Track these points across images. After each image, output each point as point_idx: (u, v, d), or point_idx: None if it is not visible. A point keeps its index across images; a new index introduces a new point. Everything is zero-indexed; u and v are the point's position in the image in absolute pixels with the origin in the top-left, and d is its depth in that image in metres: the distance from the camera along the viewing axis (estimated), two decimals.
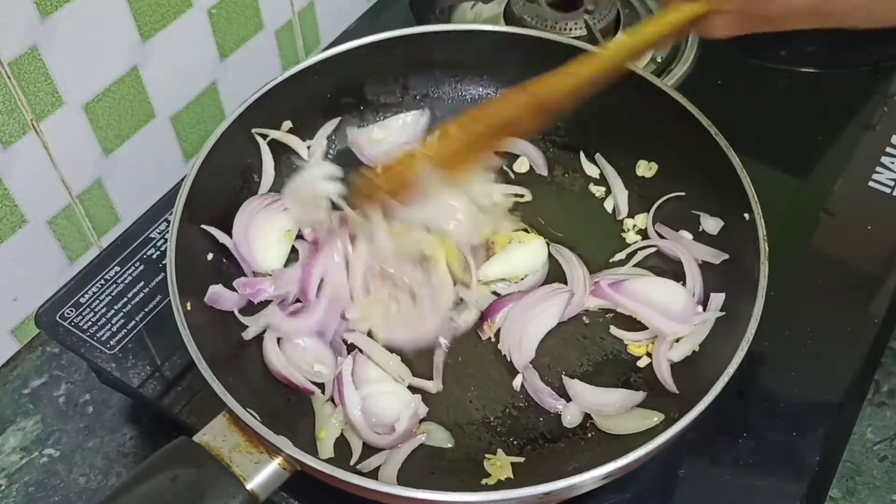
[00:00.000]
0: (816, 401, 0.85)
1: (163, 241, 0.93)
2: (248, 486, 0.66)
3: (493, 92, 1.01)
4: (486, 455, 0.77)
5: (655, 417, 0.76)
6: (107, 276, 0.90)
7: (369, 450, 0.77)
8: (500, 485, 0.74)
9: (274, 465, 0.68)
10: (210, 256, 0.86)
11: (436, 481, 0.75)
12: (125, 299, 0.89)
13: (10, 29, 0.80)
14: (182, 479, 0.65)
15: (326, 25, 1.18)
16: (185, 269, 0.78)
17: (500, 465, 0.76)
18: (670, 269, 0.88)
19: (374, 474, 0.75)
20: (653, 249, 0.90)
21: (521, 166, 0.98)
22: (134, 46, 0.92)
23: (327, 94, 0.96)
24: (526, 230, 0.92)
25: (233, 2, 1.01)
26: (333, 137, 0.98)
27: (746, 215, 0.81)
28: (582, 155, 0.98)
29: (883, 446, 0.93)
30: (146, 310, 0.89)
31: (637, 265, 0.89)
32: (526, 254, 0.89)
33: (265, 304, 0.85)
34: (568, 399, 0.80)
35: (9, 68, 0.81)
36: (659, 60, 1.11)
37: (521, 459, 0.77)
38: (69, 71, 0.87)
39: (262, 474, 0.67)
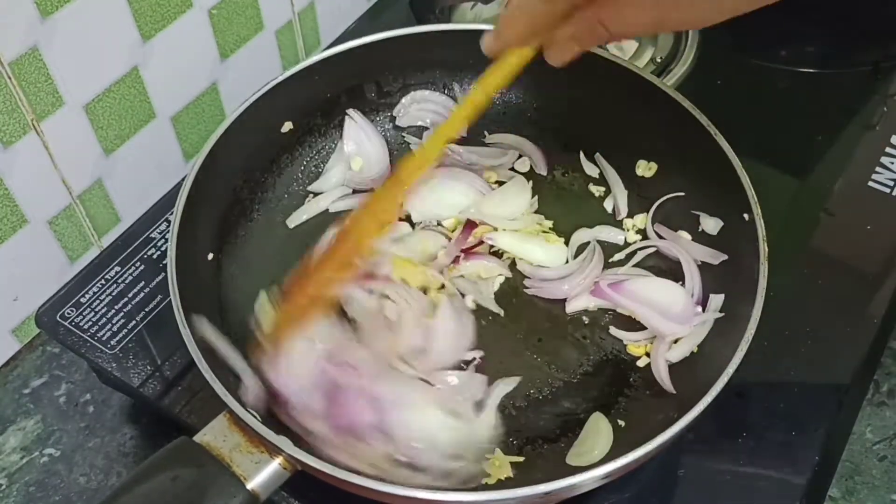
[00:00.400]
0: (816, 401, 0.85)
1: (163, 241, 0.93)
2: (249, 486, 0.66)
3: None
4: (485, 455, 0.77)
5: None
6: (107, 276, 0.90)
7: None
8: (500, 484, 0.74)
9: (274, 465, 0.68)
10: (210, 256, 0.86)
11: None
12: (125, 299, 0.89)
13: (10, 29, 0.80)
14: (182, 479, 0.65)
15: (327, 25, 1.18)
16: (186, 269, 0.78)
17: (499, 464, 0.76)
18: (669, 269, 0.88)
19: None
20: (652, 249, 0.90)
21: (522, 165, 0.98)
22: (134, 46, 0.93)
23: (328, 94, 0.96)
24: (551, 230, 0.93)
25: (233, 2, 1.01)
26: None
27: (746, 215, 0.81)
28: (582, 154, 0.98)
29: (882, 446, 0.93)
30: (146, 310, 0.89)
31: (637, 265, 0.89)
32: (544, 251, 0.90)
33: None
34: None
35: (9, 68, 0.81)
36: (658, 60, 1.11)
37: (521, 459, 0.77)
38: (69, 71, 0.87)
39: (262, 474, 0.67)
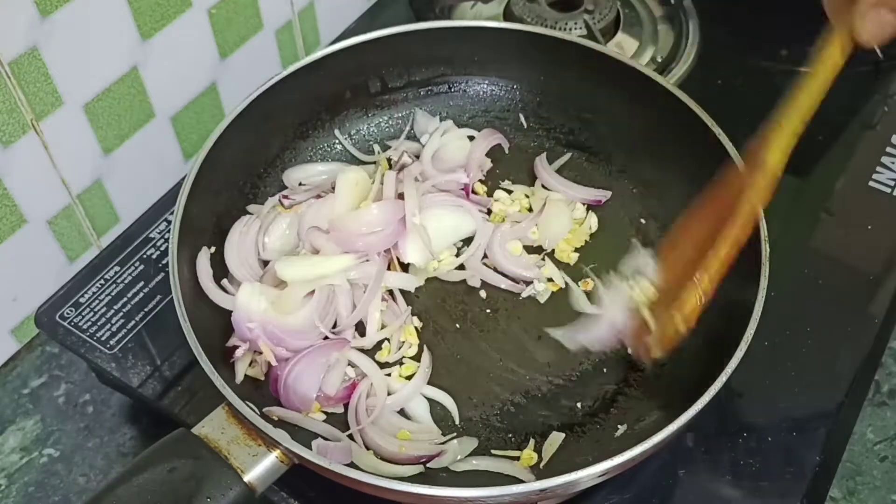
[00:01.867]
0: (816, 401, 0.85)
1: (163, 240, 0.93)
2: (246, 479, 0.66)
3: (496, 89, 1.01)
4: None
5: None
6: (106, 276, 0.90)
7: None
8: (497, 481, 0.74)
9: (272, 458, 0.68)
10: (213, 250, 0.86)
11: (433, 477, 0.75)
12: (125, 299, 0.89)
13: (10, 29, 0.80)
14: (180, 471, 0.65)
15: (326, 25, 1.18)
16: (187, 265, 0.78)
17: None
18: None
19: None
20: None
21: None
22: (134, 46, 0.93)
23: (328, 92, 0.96)
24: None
25: (233, 2, 1.01)
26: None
27: None
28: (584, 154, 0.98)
29: (883, 446, 0.93)
30: (146, 310, 0.89)
31: None
32: None
33: None
34: None
35: (9, 68, 0.81)
36: (659, 60, 1.11)
37: (518, 454, 0.77)
38: (69, 71, 0.87)
39: (259, 467, 0.67)
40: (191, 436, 0.68)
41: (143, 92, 0.96)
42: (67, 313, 0.88)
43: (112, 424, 0.91)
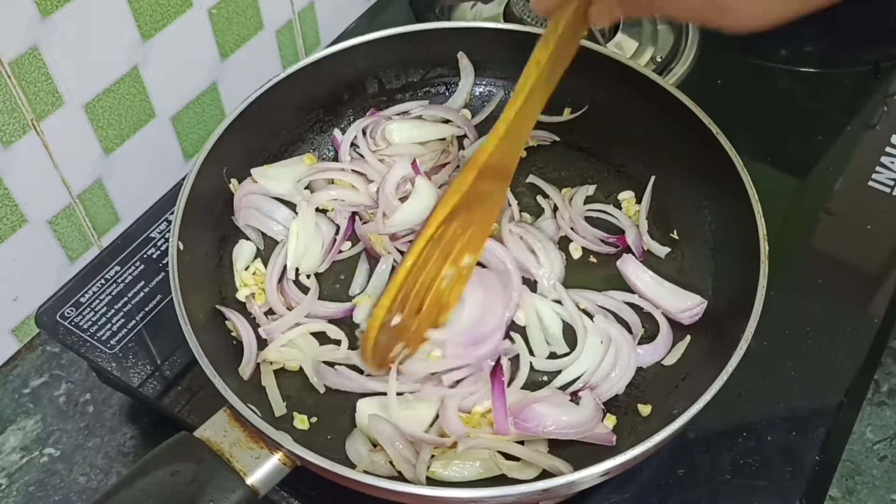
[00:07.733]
0: (816, 401, 0.85)
1: (163, 240, 0.93)
2: (248, 481, 0.67)
3: (495, 90, 1.01)
4: None
5: None
6: (107, 276, 0.90)
7: None
8: (499, 481, 0.74)
9: (274, 461, 0.68)
10: (212, 251, 0.86)
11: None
12: (125, 299, 0.89)
13: (10, 29, 0.80)
14: (182, 474, 0.65)
15: (326, 25, 1.18)
16: (187, 265, 0.78)
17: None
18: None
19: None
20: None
21: None
22: (134, 46, 0.93)
23: (328, 92, 0.96)
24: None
25: (233, 2, 1.01)
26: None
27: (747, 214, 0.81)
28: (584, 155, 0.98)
29: (882, 446, 0.93)
30: (146, 309, 0.89)
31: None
32: None
33: None
34: None
35: (9, 68, 0.81)
36: (659, 60, 1.11)
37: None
38: (69, 71, 0.87)
39: (262, 469, 0.67)
40: (193, 439, 0.68)
41: (143, 92, 0.96)
42: (68, 313, 0.88)
43: (112, 424, 0.91)
